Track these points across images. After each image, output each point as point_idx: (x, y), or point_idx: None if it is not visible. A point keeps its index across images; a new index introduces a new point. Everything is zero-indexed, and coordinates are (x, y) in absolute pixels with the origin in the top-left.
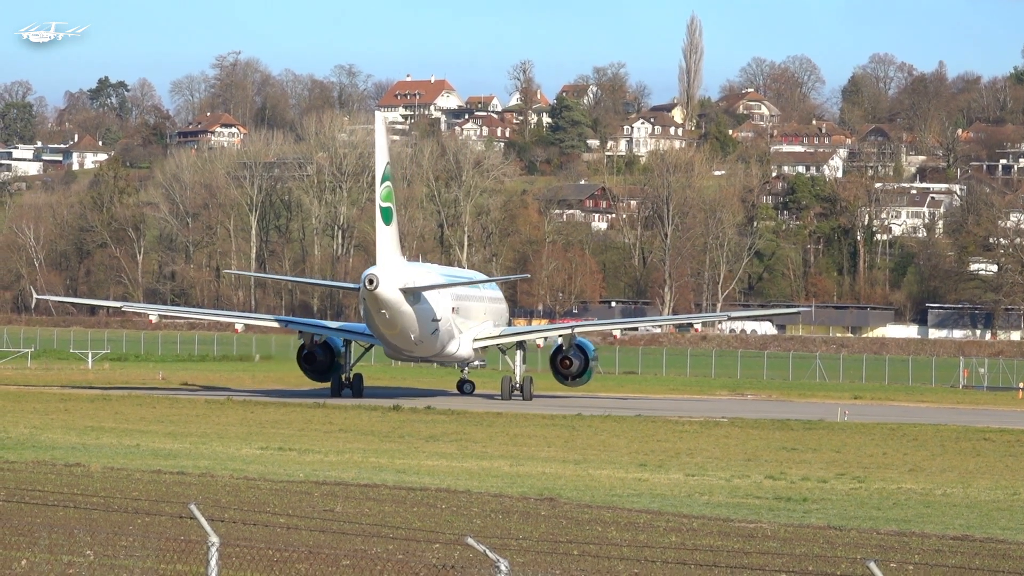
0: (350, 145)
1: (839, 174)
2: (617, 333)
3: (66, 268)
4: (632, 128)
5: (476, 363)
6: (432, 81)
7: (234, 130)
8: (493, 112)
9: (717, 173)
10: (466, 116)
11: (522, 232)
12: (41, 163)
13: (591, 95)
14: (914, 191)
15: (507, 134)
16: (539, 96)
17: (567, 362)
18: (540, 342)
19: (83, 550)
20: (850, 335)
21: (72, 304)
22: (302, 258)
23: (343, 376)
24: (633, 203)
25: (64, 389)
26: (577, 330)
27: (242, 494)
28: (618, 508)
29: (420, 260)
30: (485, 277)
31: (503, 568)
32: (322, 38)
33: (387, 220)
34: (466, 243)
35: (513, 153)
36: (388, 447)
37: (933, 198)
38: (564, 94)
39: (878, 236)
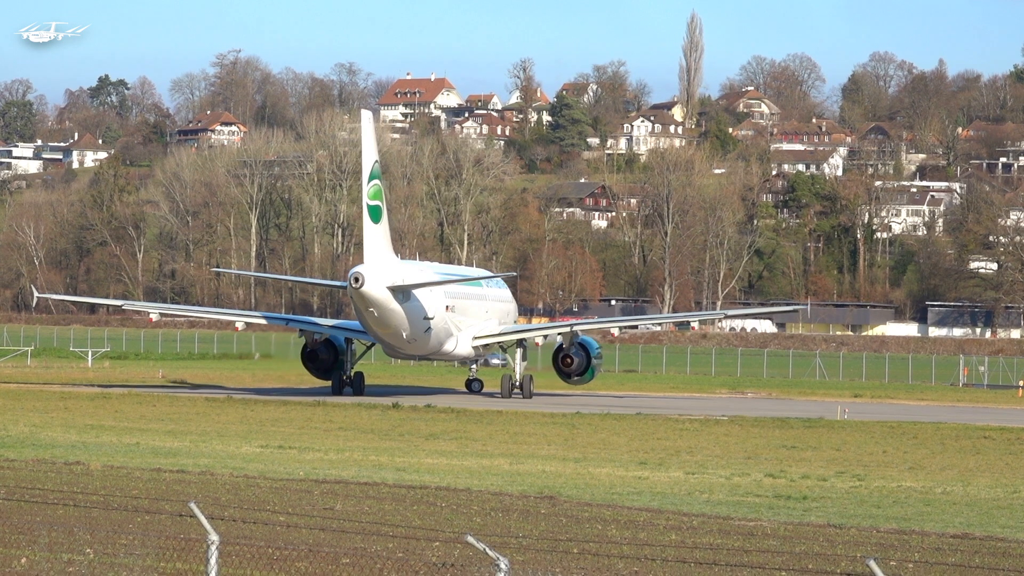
0: (350, 143)
1: (839, 172)
2: (615, 331)
3: (66, 266)
4: (632, 126)
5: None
6: (432, 79)
7: (234, 128)
8: (493, 110)
9: (717, 171)
10: (466, 114)
11: (522, 230)
12: (41, 161)
13: (591, 93)
14: (914, 189)
15: (507, 132)
16: (539, 94)
17: (568, 360)
18: (539, 340)
19: (83, 548)
20: (850, 333)
21: (72, 302)
22: (302, 256)
23: (344, 375)
24: (633, 201)
25: (64, 387)
26: (576, 328)
27: (242, 492)
28: (618, 506)
29: (418, 258)
30: (479, 274)
31: (503, 566)
32: (322, 36)
33: (375, 218)
34: (466, 241)
35: (513, 151)
36: (388, 445)
37: (933, 196)
38: (564, 92)
39: (878, 234)
